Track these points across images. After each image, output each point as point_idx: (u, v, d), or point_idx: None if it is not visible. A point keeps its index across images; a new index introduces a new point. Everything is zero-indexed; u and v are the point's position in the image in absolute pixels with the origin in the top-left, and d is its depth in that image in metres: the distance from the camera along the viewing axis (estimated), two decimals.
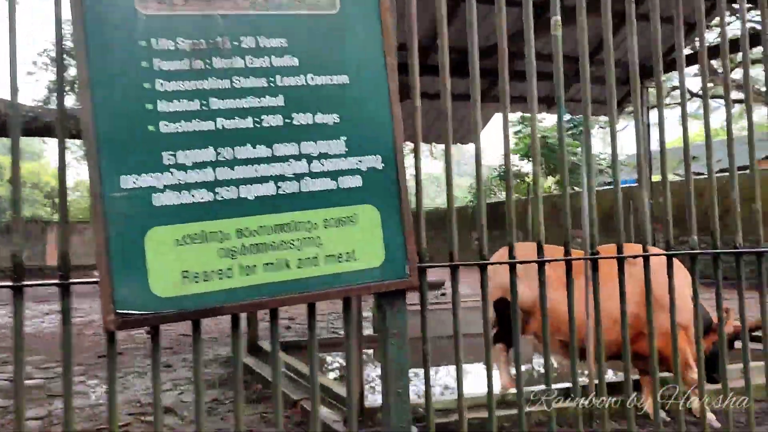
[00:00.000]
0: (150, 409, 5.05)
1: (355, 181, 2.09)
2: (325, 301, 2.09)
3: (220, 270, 1.93)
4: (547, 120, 26.28)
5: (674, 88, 22.58)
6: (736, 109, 23.36)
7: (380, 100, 2.14)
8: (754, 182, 2.77)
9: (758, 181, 2.78)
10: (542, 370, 6.91)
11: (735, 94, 20.62)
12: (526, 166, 27.33)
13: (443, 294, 15.11)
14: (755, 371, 4.91)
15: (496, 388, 5.11)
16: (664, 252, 2.61)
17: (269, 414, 4.85)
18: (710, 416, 4.41)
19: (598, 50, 9.39)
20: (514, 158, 26.69)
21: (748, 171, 2.83)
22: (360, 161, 2.10)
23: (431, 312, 8.18)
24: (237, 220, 1.96)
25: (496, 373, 5.43)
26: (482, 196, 2.40)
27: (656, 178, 16.89)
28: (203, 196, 1.93)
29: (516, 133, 26.31)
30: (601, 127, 30.49)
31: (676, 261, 4.79)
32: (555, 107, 9.56)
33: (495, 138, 27.22)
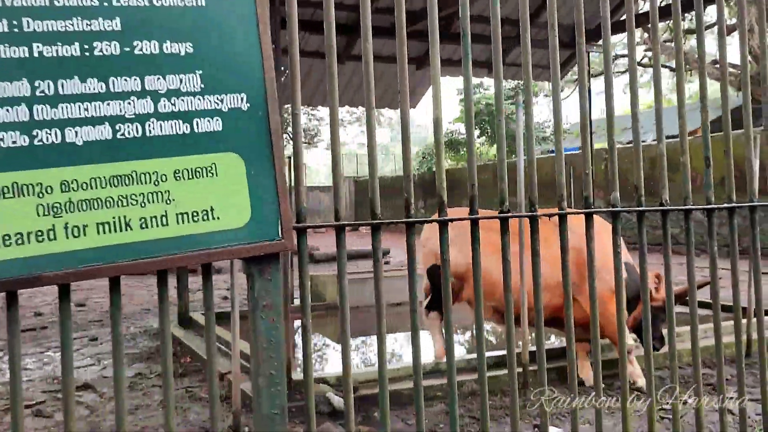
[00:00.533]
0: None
1: (214, 125, 1.75)
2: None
3: (39, 231, 1.57)
4: (492, 87, 26.16)
5: (618, 57, 22.66)
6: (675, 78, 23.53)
7: (245, 27, 1.79)
8: (685, 148, 2.53)
9: (687, 140, 2.55)
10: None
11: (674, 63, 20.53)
12: None
13: (387, 262, 15.04)
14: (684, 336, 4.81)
15: (430, 357, 4.92)
16: (583, 210, 2.36)
17: (195, 388, 4.62)
18: (641, 382, 4.29)
19: (539, 12, 9.14)
20: (458, 126, 26.51)
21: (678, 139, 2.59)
22: (219, 100, 1.75)
23: (369, 280, 7.85)
24: (61, 170, 1.60)
25: (430, 341, 5.22)
26: (408, 148, 2.09)
27: (599, 145, 16.91)
28: (16, 139, 1.56)
29: (461, 101, 26.12)
30: (546, 96, 30.53)
31: (604, 223, 4.61)
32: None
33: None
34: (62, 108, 1.60)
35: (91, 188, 1.62)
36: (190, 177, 1.71)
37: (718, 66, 2.74)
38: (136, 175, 1.66)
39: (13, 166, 1.55)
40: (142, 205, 1.66)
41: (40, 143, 1.58)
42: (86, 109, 1.62)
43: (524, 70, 2.33)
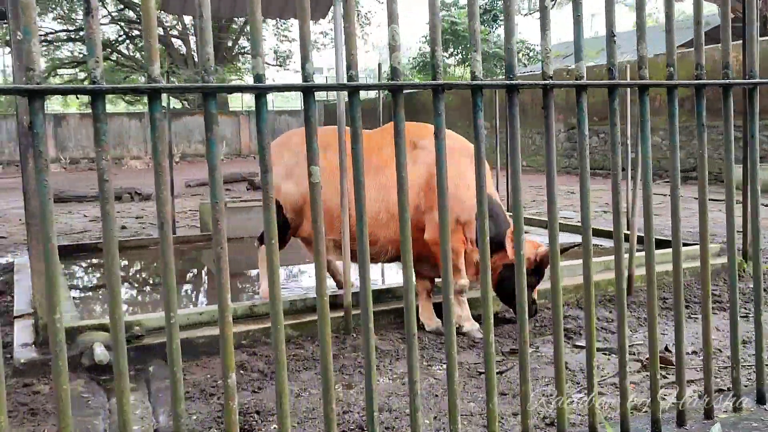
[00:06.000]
0: None
1: None
2: None
3: None
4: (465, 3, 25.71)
5: None
6: None
7: None
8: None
9: None
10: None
11: None
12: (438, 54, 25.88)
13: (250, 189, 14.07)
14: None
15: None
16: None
17: None
18: (474, 327, 3.80)
19: None
20: (423, 46, 25.58)
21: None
22: None
23: (238, 210, 7.10)
24: None
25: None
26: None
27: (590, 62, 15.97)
28: None
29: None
30: (525, 15, 29.18)
31: (463, 143, 3.86)
32: None
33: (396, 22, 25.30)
34: None
35: None
36: None
37: None
38: None
39: None
40: None
41: None
42: None
43: None
